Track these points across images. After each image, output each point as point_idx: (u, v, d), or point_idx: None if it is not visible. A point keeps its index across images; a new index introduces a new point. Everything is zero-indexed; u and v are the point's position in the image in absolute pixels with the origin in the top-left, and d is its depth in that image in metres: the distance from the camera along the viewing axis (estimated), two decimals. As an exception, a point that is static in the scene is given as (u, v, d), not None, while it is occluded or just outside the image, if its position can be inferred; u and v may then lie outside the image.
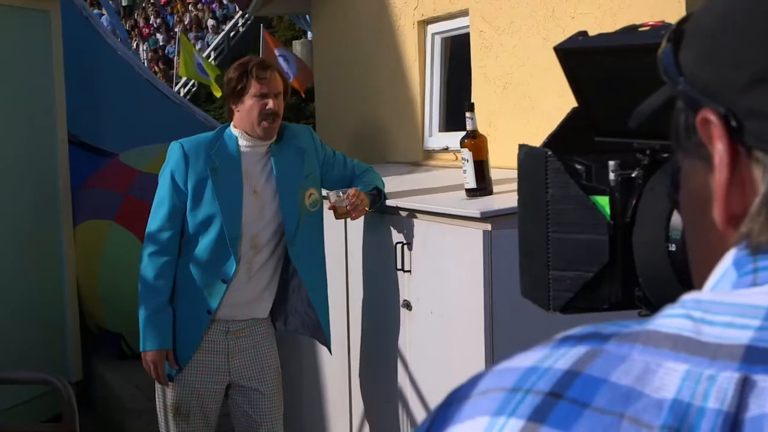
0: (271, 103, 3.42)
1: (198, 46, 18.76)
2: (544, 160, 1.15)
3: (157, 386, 3.57)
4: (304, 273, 3.50)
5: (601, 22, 3.47)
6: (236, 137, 3.47)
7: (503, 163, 3.60)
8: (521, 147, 1.22)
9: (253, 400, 3.55)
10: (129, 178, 6.03)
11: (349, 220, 3.70)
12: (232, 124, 3.51)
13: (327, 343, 3.64)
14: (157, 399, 3.60)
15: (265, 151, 3.50)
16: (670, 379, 0.53)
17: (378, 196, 3.55)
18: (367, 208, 3.49)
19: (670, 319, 0.57)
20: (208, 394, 3.52)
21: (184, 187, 3.40)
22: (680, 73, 0.64)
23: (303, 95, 8.96)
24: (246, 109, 3.44)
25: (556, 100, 3.61)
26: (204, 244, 3.40)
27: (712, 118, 0.60)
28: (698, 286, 0.64)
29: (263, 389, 3.55)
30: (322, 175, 3.62)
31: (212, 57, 19.93)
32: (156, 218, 3.44)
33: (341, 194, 3.45)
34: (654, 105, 0.70)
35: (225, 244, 3.38)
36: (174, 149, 3.45)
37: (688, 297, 0.59)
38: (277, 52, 8.16)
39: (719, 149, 0.59)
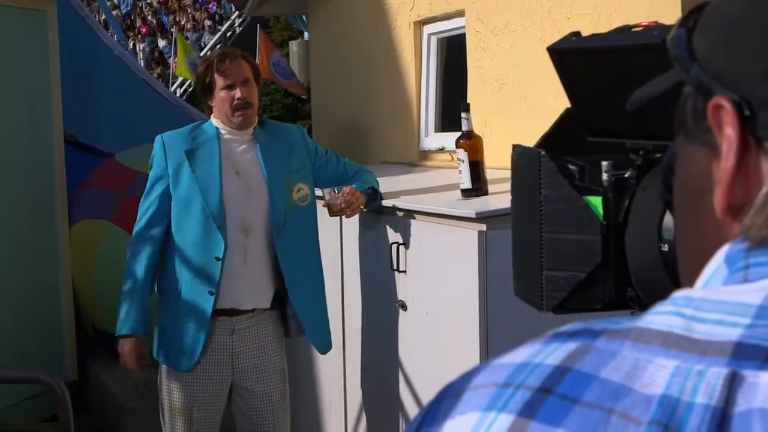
0: (238, 92, 3.45)
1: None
2: (537, 161, 1.15)
3: (161, 387, 3.54)
4: (286, 267, 3.46)
5: (597, 23, 3.47)
6: (216, 125, 3.52)
7: (499, 164, 3.60)
8: (515, 147, 1.22)
9: (256, 406, 3.51)
10: (125, 178, 6.02)
11: (344, 220, 3.69)
12: (212, 116, 3.56)
13: (314, 343, 3.60)
14: (160, 399, 3.57)
15: (247, 138, 3.53)
16: (659, 375, 0.53)
17: (374, 195, 3.55)
18: (362, 207, 3.48)
19: (660, 317, 0.57)
20: (213, 395, 3.50)
21: (165, 174, 3.46)
22: (693, 58, 0.64)
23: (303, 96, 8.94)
24: (218, 103, 3.50)
25: (551, 101, 3.61)
26: (191, 225, 3.43)
27: (726, 104, 0.59)
28: (686, 282, 0.64)
29: (266, 393, 3.51)
30: (315, 173, 3.61)
31: (209, 57, 19.90)
32: (140, 210, 3.52)
33: (335, 191, 3.45)
34: (658, 90, 0.69)
35: (210, 222, 3.40)
36: (155, 142, 3.53)
37: (679, 294, 0.59)
38: (273, 60, 8.10)
39: (729, 135, 0.59)
